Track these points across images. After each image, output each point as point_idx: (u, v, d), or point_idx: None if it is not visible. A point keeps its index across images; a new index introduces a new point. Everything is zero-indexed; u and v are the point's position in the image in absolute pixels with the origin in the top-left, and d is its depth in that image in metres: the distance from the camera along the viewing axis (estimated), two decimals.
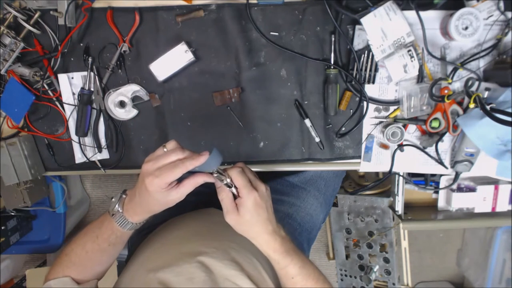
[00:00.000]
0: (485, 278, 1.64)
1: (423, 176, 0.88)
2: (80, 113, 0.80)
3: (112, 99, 0.80)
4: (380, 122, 0.80)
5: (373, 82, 0.77)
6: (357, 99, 0.79)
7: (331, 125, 0.82)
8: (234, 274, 0.62)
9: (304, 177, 0.98)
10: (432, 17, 0.73)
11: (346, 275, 1.44)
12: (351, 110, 0.81)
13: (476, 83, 0.73)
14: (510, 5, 0.70)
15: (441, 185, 0.86)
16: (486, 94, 0.71)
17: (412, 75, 0.74)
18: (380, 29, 0.71)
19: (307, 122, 0.81)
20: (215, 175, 0.57)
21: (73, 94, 0.81)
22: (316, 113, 0.81)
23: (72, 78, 0.80)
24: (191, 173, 0.56)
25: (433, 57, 0.73)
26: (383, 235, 1.25)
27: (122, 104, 0.81)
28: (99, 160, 0.85)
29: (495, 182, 0.85)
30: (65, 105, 0.82)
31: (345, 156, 0.83)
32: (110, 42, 0.78)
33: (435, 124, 0.74)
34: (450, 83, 0.74)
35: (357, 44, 0.76)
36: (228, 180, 0.58)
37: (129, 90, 0.80)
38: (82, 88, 0.79)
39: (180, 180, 0.56)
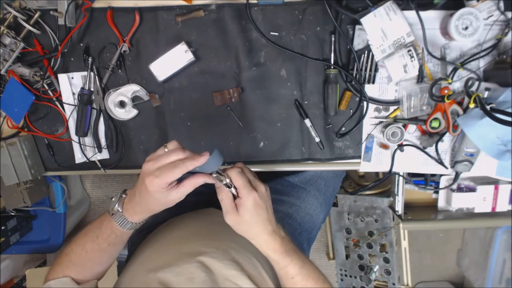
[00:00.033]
0: (485, 278, 1.64)
1: (423, 176, 0.88)
2: (80, 113, 0.80)
3: (112, 99, 0.80)
4: (380, 122, 0.80)
5: (373, 82, 0.77)
6: (357, 99, 0.79)
7: (331, 125, 0.82)
8: (235, 274, 0.62)
9: (304, 177, 0.98)
10: (432, 17, 0.73)
11: (346, 275, 1.44)
12: (351, 110, 0.81)
13: (476, 83, 0.73)
14: (510, 5, 0.70)
15: (441, 185, 0.86)
16: (486, 94, 0.71)
17: (412, 75, 0.74)
18: (380, 29, 0.71)
19: (307, 122, 0.81)
20: (214, 175, 0.57)
21: (73, 94, 0.81)
22: (316, 113, 0.81)
23: (72, 78, 0.80)
24: (191, 173, 0.56)
25: (433, 57, 0.73)
26: (383, 235, 1.25)
27: (122, 104, 0.81)
28: (99, 160, 0.85)
29: (495, 182, 0.85)
30: (65, 105, 0.82)
31: (345, 156, 0.83)
32: (110, 42, 0.78)
33: (435, 124, 0.74)
34: (450, 83, 0.74)
35: (357, 44, 0.76)
36: (228, 180, 0.58)
37: (129, 90, 0.80)
38: (82, 88, 0.79)
39: (180, 180, 0.56)
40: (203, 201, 0.86)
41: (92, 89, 0.80)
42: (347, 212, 1.29)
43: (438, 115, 0.74)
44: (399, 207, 0.90)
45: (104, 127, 0.84)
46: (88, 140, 0.84)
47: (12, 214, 1.31)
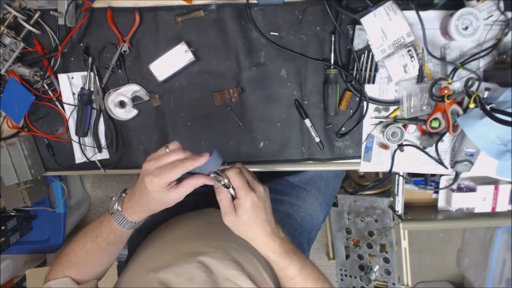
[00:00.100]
0: (485, 278, 1.64)
1: (423, 176, 0.88)
2: (80, 113, 0.80)
3: (112, 99, 0.80)
4: (380, 122, 0.80)
5: (373, 82, 0.77)
6: (357, 99, 0.79)
7: (331, 125, 0.82)
8: (235, 274, 0.62)
9: (304, 177, 0.98)
10: (432, 17, 0.73)
11: (346, 275, 1.44)
12: (351, 110, 0.81)
13: (476, 83, 0.73)
14: (510, 5, 0.70)
15: (441, 185, 0.86)
16: (486, 94, 0.71)
17: (412, 75, 0.74)
18: (380, 29, 0.71)
19: (307, 122, 0.81)
20: (212, 175, 0.57)
21: (73, 94, 0.81)
22: (316, 113, 0.81)
23: (72, 78, 0.80)
24: (191, 174, 0.56)
25: (433, 57, 0.73)
26: (383, 235, 1.25)
27: (122, 104, 0.81)
28: (99, 160, 0.85)
29: (495, 182, 0.85)
30: (65, 105, 0.82)
31: (345, 156, 0.83)
32: (110, 42, 0.78)
33: (435, 124, 0.74)
34: (450, 83, 0.74)
35: (357, 44, 0.76)
36: (226, 181, 0.58)
37: (129, 90, 0.80)
38: (82, 88, 0.79)
39: (180, 181, 0.56)
40: (203, 201, 0.86)
41: (92, 89, 0.80)
42: (347, 212, 1.29)
43: (438, 115, 0.74)
44: (399, 207, 0.90)
45: (104, 127, 0.84)
46: (88, 140, 0.84)
47: (12, 214, 1.31)
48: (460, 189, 0.86)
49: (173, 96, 0.81)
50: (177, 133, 0.83)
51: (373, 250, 1.32)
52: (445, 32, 0.73)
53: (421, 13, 0.70)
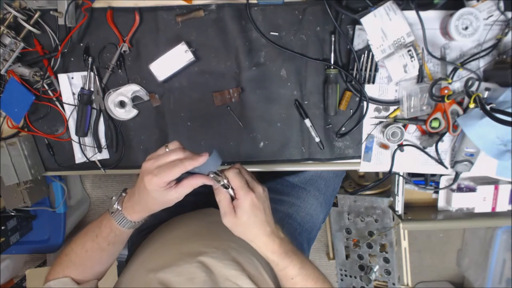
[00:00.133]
0: (485, 278, 1.64)
1: (423, 176, 0.88)
2: (80, 113, 0.80)
3: (112, 99, 0.80)
4: (380, 122, 0.80)
5: (373, 82, 0.77)
6: (357, 99, 0.79)
7: (331, 125, 0.82)
8: (235, 274, 0.62)
9: (304, 177, 0.98)
10: (432, 17, 0.73)
11: (346, 275, 1.44)
12: (351, 110, 0.81)
13: (476, 83, 0.73)
14: (510, 5, 0.70)
15: (441, 185, 0.86)
16: (486, 94, 0.71)
17: (412, 75, 0.74)
18: (380, 29, 0.71)
19: (307, 122, 0.81)
20: (211, 175, 0.57)
21: (73, 94, 0.81)
22: (316, 113, 0.81)
23: (72, 78, 0.80)
24: (190, 174, 0.56)
25: (433, 57, 0.73)
26: (383, 235, 1.25)
27: (122, 104, 0.81)
28: (99, 160, 0.85)
29: (495, 182, 0.85)
30: (65, 105, 0.82)
31: (345, 156, 0.83)
32: (110, 42, 0.78)
33: (435, 124, 0.75)
34: (450, 83, 0.74)
35: (357, 44, 0.76)
36: (225, 181, 0.58)
37: (129, 90, 0.80)
38: (82, 88, 0.79)
39: (179, 181, 0.56)
40: (203, 201, 0.86)
41: (92, 89, 0.80)
42: (347, 212, 1.29)
43: (438, 115, 0.74)
44: (399, 207, 0.90)
45: (104, 127, 0.84)
46: (88, 140, 0.84)
47: (12, 214, 1.31)
48: (460, 189, 0.86)
49: (173, 96, 0.81)
50: (177, 133, 0.83)
51: (373, 250, 1.32)
52: (445, 32, 0.73)
53: (421, 13, 0.70)
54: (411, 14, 0.71)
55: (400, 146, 0.80)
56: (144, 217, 0.62)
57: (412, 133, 0.80)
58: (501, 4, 0.70)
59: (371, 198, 1.21)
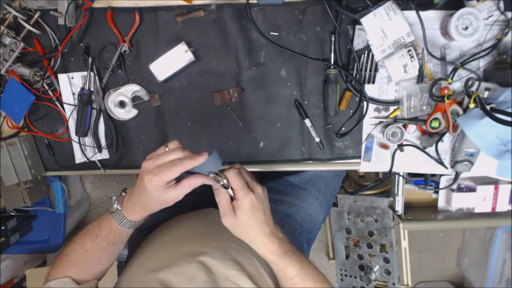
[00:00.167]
0: (485, 278, 1.64)
1: (423, 176, 0.88)
2: (80, 113, 0.80)
3: (112, 99, 0.80)
4: (380, 122, 0.80)
5: (373, 82, 0.77)
6: (357, 99, 0.79)
7: (331, 125, 0.82)
8: (235, 274, 0.62)
9: (304, 177, 0.98)
10: (432, 17, 0.73)
11: (346, 275, 1.44)
12: (351, 110, 0.81)
13: (476, 83, 0.73)
14: (510, 5, 0.70)
15: (441, 185, 0.86)
16: (486, 94, 0.71)
17: (412, 75, 0.74)
18: (380, 29, 0.71)
19: (307, 122, 0.81)
20: (211, 175, 0.57)
21: (73, 94, 0.81)
22: (316, 113, 0.81)
23: (72, 78, 0.80)
24: (190, 174, 0.56)
25: (433, 57, 0.73)
26: (383, 235, 1.25)
27: (122, 104, 0.81)
28: (99, 160, 0.85)
29: (495, 182, 0.85)
30: (65, 105, 0.82)
31: (345, 156, 0.83)
32: (110, 42, 0.78)
33: (435, 124, 0.74)
34: (450, 83, 0.74)
35: (357, 44, 0.76)
36: (225, 181, 0.58)
37: (129, 90, 0.80)
38: (82, 88, 0.79)
39: (179, 180, 0.56)
40: (203, 201, 0.86)
41: (92, 89, 0.80)
42: (347, 212, 1.29)
43: (438, 115, 0.74)
44: (399, 207, 0.90)
45: (104, 127, 0.84)
46: (88, 140, 0.84)
47: (12, 214, 1.31)
48: (460, 189, 0.86)
49: (173, 96, 0.81)
50: (177, 133, 0.83)
51: (373, 250, 1.32)
52: (445, 32, 0.73)
53: (421, 13, 0.70)
54: (411, 14, 0.71)
55: (400, 146, 0.80)
56: (143, 216, 0.62)
57: (412, 133, 0.80)
58: (501, 4, 0.70)
59: (371, 198, 1.21)
